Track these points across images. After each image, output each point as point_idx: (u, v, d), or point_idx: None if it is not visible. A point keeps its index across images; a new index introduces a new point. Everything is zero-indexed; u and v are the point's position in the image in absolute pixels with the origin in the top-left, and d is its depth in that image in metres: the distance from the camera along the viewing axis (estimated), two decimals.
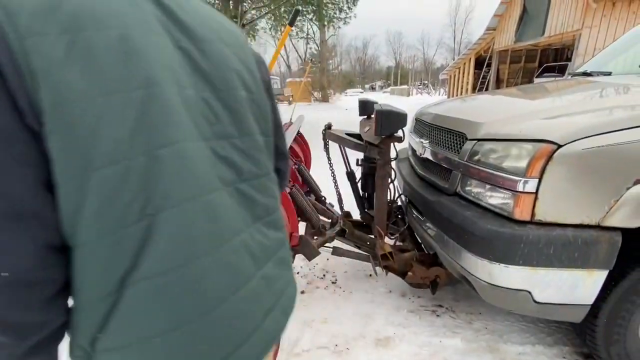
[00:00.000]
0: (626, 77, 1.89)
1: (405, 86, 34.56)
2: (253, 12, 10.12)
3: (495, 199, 1.34)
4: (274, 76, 30.35)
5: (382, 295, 2.01)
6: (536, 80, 11.70)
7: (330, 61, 33.70)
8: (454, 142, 1.61)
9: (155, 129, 0.39)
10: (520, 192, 1.21)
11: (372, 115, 1.65)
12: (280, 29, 11.91)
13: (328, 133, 1.96)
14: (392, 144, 1.71)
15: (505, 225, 1.24)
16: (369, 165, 1.97)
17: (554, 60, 12.42)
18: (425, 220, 1.74)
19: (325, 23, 9.32)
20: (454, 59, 22.14)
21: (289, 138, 1.92)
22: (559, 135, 1.15)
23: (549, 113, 1.38)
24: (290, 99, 27.49)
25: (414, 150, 2.11)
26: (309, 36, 16.20)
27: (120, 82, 0.37)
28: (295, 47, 40.27)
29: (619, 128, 1.12)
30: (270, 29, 11.86)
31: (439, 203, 1.58)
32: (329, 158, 2.16)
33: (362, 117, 2.04)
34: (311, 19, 9.74)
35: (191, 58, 0.46)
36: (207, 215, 0.44)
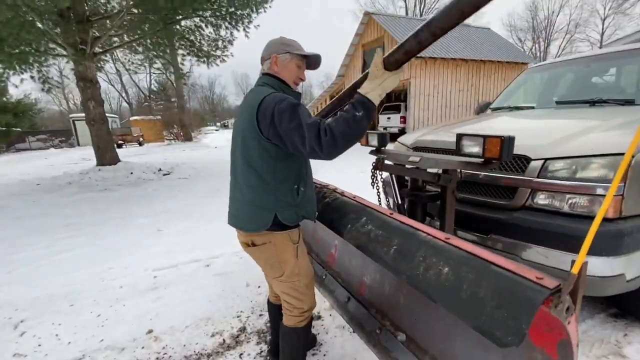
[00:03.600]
0: (550, 109, 2.66)
1: None
2: (115, 39, 8.51)
3: (581, 204, 1.61)
4: (111, 115, 25.81)
5: None
6: (381, 115, 14.51)
7: (186, 98, 31.62)
8: (511, 163, 1.85)
9: None
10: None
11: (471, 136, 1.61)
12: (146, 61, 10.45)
13: (386, 166, 1.87)
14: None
15: (605, 225, 1.52)
16: (421, 194, 1.98)
17: (388, 101, 15.84)
18: (489, 238, 1.89)
19: (204, 60, 8.81)
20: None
21: None
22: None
23: (587, 132, 1.78)
24: (141, 139, 23.91)
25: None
26: (167, 70, 14.74)
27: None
28: (135, 82, 35.74)
29: None
30: (129, 60, 10.19)
31: (517, 218, 1.76)
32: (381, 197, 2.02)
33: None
34: (188, 54, 8.98)
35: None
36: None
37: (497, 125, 2.56)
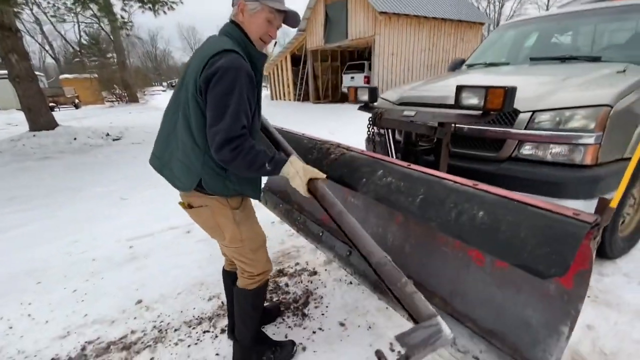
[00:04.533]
0: (525, 65, 2.77)
1: None
2: None
3: (562, 154, 1.75)
4: (38, 73, 22.23)
5: None
6: (345, 74, 14.26)
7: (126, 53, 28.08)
8: (501, 116, 1.92)
9: None
10: (590, 144, 1.66)
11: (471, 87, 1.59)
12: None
13: (385, 120, 1.85)
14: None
15: (583, 171, 1.67)
16: (416, 148, 2.01)
17: (351, 60, 15.53)
18: None
19: (150, 6, 7.66)
20: None
21: None
22: (610, 99, 1.65)
23: (568, 87, 1.89)
24: (76, 100, 21.18)
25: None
26: (101, 19, 12.63)
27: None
28: (60, 34, 30.76)
29: (627, 93, 1.72)
30: (52, 4, 8.51)
31: (504, 169, 1.87)
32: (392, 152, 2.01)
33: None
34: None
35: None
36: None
37: (477, 80, 2.61)
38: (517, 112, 1.86)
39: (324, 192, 1.17)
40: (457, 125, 2.01)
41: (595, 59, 2.39)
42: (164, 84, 60.22)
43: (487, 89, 1.53)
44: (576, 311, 1.00)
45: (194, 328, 1.80)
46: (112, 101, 22.89)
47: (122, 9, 9.00)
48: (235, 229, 1.33)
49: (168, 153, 1.30)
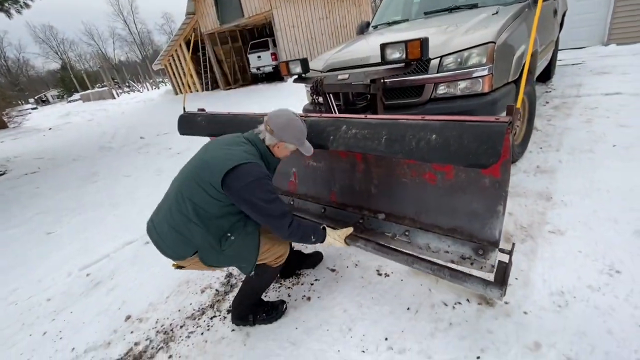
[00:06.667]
0: (421, 19, 3.20)
1: (103, 88, 29.10)
2: None
3: (467, 87, 2.18)
4: None
5: None
6: (250, 55, 13.84)
7: None
8: (418, 66, 2.27)
9: None
10: (485, 75, 2.11)
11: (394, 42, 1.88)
12: None
13: (326, 85, 2.03)
14: None
15: (484, 98, 2.13)
16: (355, 107, 2.26)
17: (252, 39, 15.02)
18: None
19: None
20: (136, 50, 20.93)
21: None
22: (493, 37, 2.10)
23: (461, 32, 2.30)
24: None
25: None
26: None
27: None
28: None
29: (503, 30, 2.20)
30: None
31: (427, 109, 2.26)
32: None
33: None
34: None
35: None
36: None
37: (391, 37, 2.95)
38: (429, 60, 2.23)
39: (355, 239, 1.68)
40: (385, 80, 2.32)
41: (474, 6, 2.91)
42: (31, 100, 49.86)
43: (406, 42, 1.82)
44: (505, 193, 1.39)
45: (199, 319, 1.85)
46: None
47: None
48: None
49: (162, 223, 1.46)
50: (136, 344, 1.77)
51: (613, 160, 2.54)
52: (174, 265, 1.55)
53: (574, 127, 3.29)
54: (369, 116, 1.48)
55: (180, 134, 2.33)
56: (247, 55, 14.40)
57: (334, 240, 1.63)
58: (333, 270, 2.01)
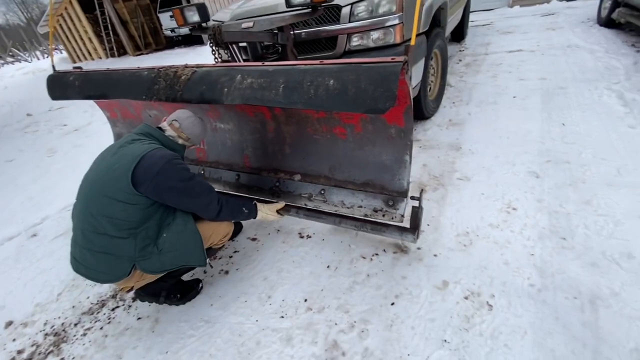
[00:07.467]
0: None
1: None
2: None
3: (380, 38, 2.10)
4: None
5: None
6: (161, 14, 12.19)
7: None
8: (329, 15, 2.11)
9: None
10: (395, 24, 2.05)
11: None
12: None
13: (226, 34, 1.76)
14: None
15: (396, 49, 2.08)
16: (268, 57, 2.06)
17: None
18: None
19: None
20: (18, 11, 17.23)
21: None
22: None
23: None
24: None
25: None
26: None
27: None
28: None
29: None
30: None
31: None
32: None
33: None
34: None
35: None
36: None
37: None
38: (339, 8, 2.08)
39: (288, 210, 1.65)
40: (295, 32, 2.13)
41: None
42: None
43: None
44: (410, 141, 1.37)
45: (97, 312, 1.61)
46: None
47: None
48: None
49: (82, 253, 1.27)
50: (19, 352, 1.49)
51: (513, 110, 2.77)
52: (121, 289, 1.42)
53: (482, 82, 3.51)
54: (266, 63, 1.31)
55: (52, 99, 1.90)
56: (157, 15, 12.66)
57: (267, 214, 1.58)
58: (254, 240, 1.90)
